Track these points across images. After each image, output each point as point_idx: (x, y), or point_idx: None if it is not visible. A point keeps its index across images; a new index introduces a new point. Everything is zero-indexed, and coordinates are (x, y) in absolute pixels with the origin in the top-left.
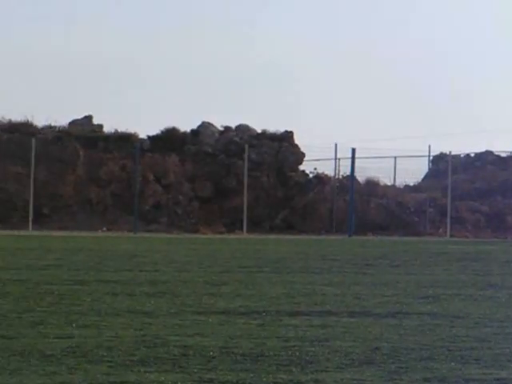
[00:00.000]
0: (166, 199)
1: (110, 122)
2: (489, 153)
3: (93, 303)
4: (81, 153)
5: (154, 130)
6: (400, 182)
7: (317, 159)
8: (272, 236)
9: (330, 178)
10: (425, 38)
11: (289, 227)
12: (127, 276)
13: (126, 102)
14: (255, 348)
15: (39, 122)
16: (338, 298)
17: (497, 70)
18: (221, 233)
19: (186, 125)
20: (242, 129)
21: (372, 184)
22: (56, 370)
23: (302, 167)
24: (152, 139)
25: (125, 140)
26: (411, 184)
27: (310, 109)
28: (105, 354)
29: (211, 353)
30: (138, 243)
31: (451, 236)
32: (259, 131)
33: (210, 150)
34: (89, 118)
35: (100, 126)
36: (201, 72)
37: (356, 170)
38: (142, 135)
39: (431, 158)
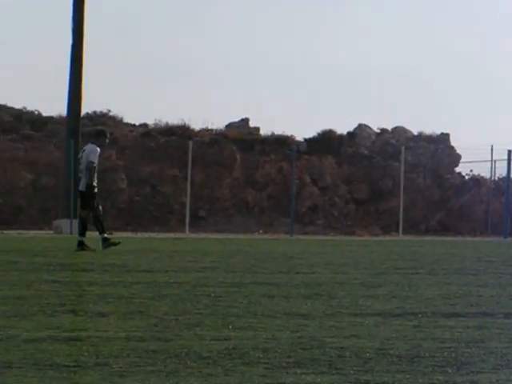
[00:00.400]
0: (322, 201)
1: (267, 124)
2: None
3: (249, 305)
4: (237, 155)
5: (311, 133)
6: None
7: (473, 161)
8: (427, 238)
9: (486, 179)
10: None
11: (444, 229)
12: (283, 278)
13: (282, 105)
14: (411, 349)
15: (196, 124)
16: (494, 300)
17: None
18: (376, 235)
19: (343, 127)
20: (399, 131)
21: None
22: (212, 372)
23: (458, 169)
24: (309, 141)
25: (281, 143)
26: None
27: (467, 110)
28: (261, 355)
29: (367, 354)
30: (295, 245)
31: None
32: (415, 133)
33: (366, 152)
34: (245, 121)
35: (257, 129)
36: (358, 74)
37: None
38: (299, 138)
39: None
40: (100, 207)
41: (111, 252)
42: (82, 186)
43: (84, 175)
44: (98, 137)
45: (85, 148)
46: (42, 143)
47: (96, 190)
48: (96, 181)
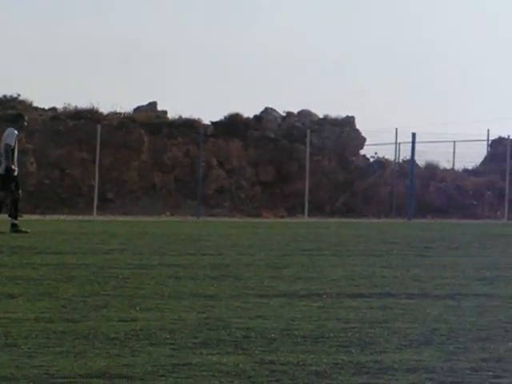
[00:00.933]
0: (228, 184)
1: (175, 108)
2: None
3: (156, 287)
4: (145, 139)
5: (218, 116)
6: (459, 165)
7: (377, 144)
8: (333, 219)
9: (390, 162)
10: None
11: (349, 211)
12: (190, 260)
13: (190, 89)
14: (316, 330)
15: (104, 108)
16: (398, 281)
17: None
18: (282, 217)
19: (249, 110)
20: (304, 114)
21: (431, 168)
22: (120, 353)
23: (362, 152)
24: (215, 125)
25: (189, 126)
26: (470, 168)
27: (372, 94)
28: (168, 336)
29: (272, 335)
30: (201, 227)
31: (509, 219)
32: (321, 116)
33: (272, 135)
34: (153, 105)
35: (164, 112)
36: (264, 58)
37: (416, 154)
38: (206, 121)
39: (490, 142)
40: (20, 191)
41: (20, 234)
42: (1, 169)
43: (4, 158)
44: (16, 120)
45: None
46: None
47: (15, 172)
48: (16, 164)
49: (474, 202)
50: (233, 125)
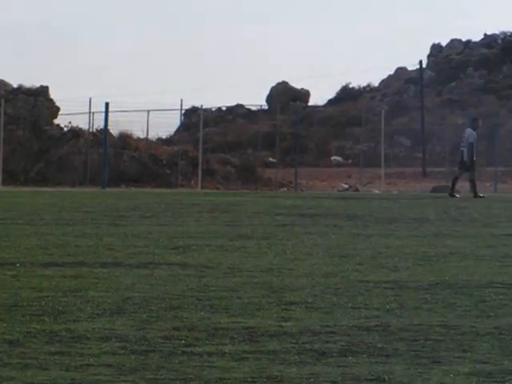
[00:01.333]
0: None
1: None
2: (240, 106)
3: None
4: None
5: None
6: (153, 135)
7: (72, 113)
8: (27, 189)
9: (84, 131)
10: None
11: (43, 180)
12: None
13: None
14: (9, 298)
15: None
16: (91, 249)
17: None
18: None
19: None
20: None
21: (125, 137)
22: None
23: (57, 121)
24: None
25: None
26: (164, 137)
27: (66, 64)
28: None
29: None
30: None
31: (202, 188)
32: (15, 86)
33: None
34: None
35: None
36: None
37: (110, 123)
38: None
39: (183, 111)
40: None
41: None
42: None
43: None
44: None
45: None
46: None
47: None
48: None
49: (168, 171)
50: None
